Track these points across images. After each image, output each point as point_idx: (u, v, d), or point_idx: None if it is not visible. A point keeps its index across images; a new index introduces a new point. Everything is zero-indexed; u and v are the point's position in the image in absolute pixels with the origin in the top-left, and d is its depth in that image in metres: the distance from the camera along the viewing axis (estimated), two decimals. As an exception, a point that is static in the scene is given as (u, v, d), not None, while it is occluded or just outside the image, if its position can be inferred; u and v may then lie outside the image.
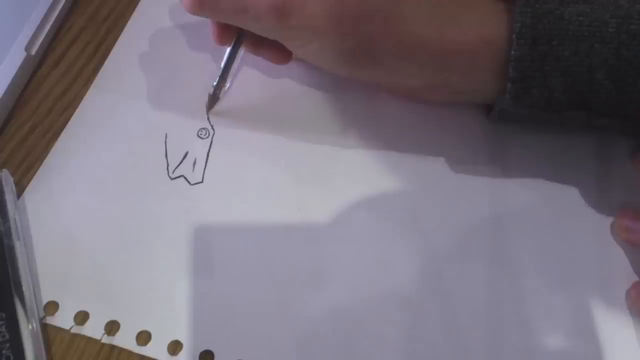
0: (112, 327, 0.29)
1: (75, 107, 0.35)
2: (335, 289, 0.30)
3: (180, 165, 0.33)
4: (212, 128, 0.34)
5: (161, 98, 0.35)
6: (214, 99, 0.34)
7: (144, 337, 0.28)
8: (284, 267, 0.30)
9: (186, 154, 0.33)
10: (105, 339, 0.28)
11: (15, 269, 0.29)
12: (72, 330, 0.29)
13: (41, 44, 0.36)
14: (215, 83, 0.33)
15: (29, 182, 0.33)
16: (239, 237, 0.31)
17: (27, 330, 0.27)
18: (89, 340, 0.29)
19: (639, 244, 0.31)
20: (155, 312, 0.29)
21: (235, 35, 0.32)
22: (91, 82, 0.36)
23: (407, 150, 0.34)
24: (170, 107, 0.35)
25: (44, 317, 0.29)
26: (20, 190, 0.32)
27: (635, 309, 0.29)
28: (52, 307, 0.29)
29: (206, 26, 0.32)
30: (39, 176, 0.33)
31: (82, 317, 0.29)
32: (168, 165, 0.33)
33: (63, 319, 0.29)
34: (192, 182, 0.33)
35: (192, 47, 0.37)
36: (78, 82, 0.36)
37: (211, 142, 0.34)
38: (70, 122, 0.34)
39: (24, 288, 0.28)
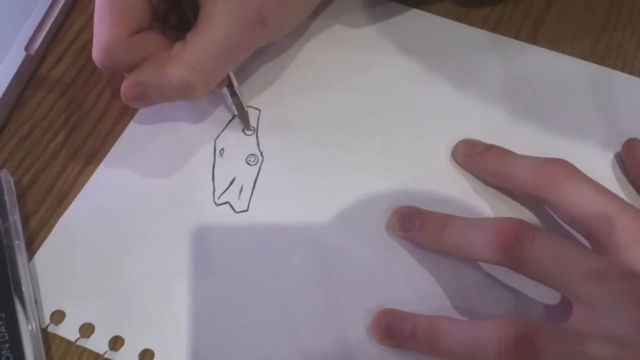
0: (115, 342, 0.28)
1: (75, 108, 0.35)
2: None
3: (227, 192, 0.32)
4: (262, 155, 0.34)
5: (209, 120, 0.34)
6: (243, 114, 0.33)
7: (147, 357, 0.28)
8: (321, 306, 0.29)
9: (233, 180, 0.33)
10: (109, 355, 0.28)
11: (15, 269, 0.29)
12: (78, 343, 0.28)
13: (41, 44, 0.35)
14: (232, 103, 0.33)
15: (29, 181, 0.32)
16: (274, 273, 0.30)
17: (27, 330, 0.27)
18: (89, 340, 0.28)
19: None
20: (163, 333, 0.28)
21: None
22: (90, 82, 0.35)
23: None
24: (219, 130, 0.34)
25: (49, 324, 0.28)
26: (20, 190, 0.32)
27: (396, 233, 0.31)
28: (58, 316, 0.29)
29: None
30: (87, 188, 0.32)
31: (87, 329, 0.28)
32: (214, 190, 0.32)
33: (67, 330, 0.28)
34: (237, 210, 0.32)
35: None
36: (78, 82, 0.36)
37: (259, 169, 0.33)
38: (118, 142, 0.33)
39: (24, 288, 0.28)
